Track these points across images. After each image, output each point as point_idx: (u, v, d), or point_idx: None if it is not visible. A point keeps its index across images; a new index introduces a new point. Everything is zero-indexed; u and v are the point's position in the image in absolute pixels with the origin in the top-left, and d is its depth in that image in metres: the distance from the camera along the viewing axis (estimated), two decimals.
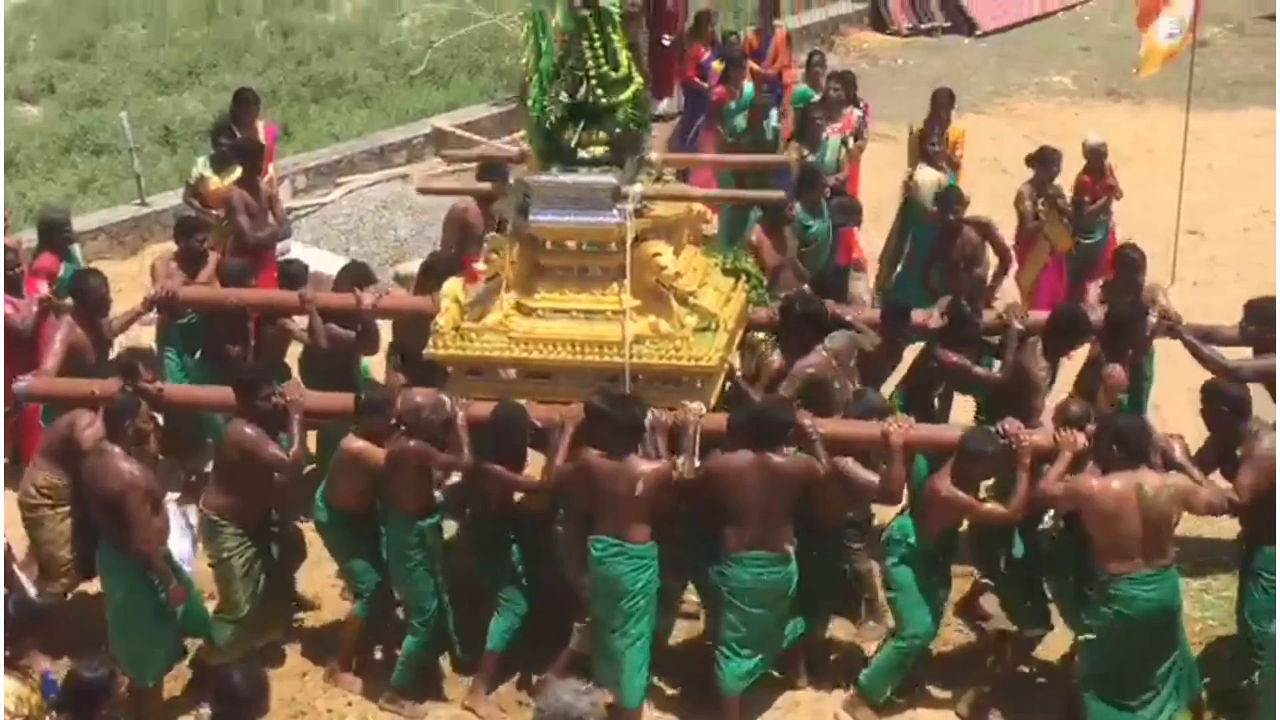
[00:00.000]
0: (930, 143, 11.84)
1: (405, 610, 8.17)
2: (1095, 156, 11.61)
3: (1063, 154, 11.34)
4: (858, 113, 12.57)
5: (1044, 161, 11.32)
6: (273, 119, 15.11)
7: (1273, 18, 19.11)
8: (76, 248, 10.88)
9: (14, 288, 9.66)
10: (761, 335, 9.02)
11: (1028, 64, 18.45)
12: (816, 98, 12.75)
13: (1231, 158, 14.68)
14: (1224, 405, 7.72)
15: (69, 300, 9.43)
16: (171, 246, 10.35)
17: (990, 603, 8.39)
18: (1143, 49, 12.52)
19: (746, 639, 7.71)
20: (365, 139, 15.86)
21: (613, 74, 8.03)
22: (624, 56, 8.10)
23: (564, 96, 8.03)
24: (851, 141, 12.28)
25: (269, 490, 8.17)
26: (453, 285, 8.42)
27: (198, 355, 9.79)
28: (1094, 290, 10.89)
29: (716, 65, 13.86)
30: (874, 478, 7.82)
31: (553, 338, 8.01)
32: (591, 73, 8.00)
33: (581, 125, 8.06)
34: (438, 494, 8.20)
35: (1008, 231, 11.18)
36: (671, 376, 7.98)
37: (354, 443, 7.93)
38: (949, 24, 19.42)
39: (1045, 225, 11.24)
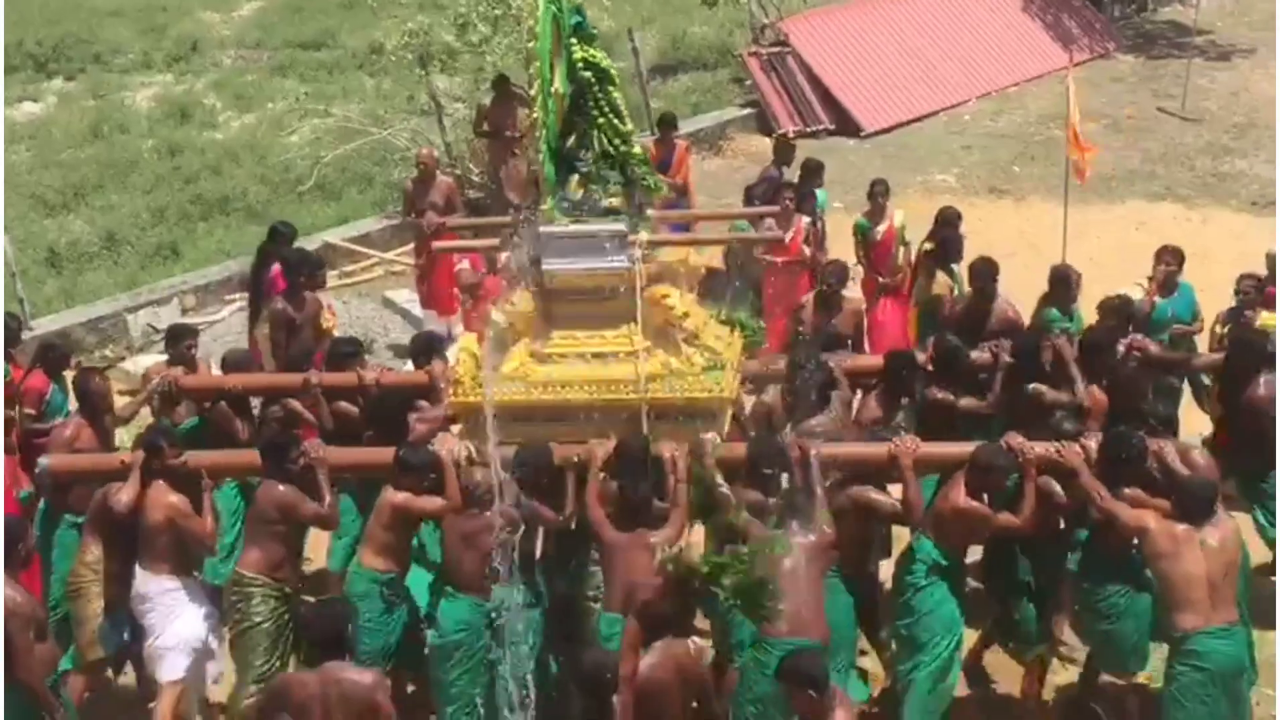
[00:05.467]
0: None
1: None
2: None
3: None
4: (806, 220, 12.86)
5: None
6: (160, 238, 14.98)
7: (1163, 110, 19.74)
8: (69, 375, 10.61)
9: None
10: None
11: (912, 163, 18.78)
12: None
13: (1112, 250, 15.00)
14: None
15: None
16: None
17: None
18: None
19: None
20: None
21: (622, 127, 8.43)
22: (626, 113, 8.49)
23: (582, 150, 8.38)
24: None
25: (299, 552, 8.58)
26: (467, 339, 8.82)
27: None
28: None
29: None
30: (894, 501, 8.19)
31: (569, 380, 8.36)
32: (602, 125, 8.37)
33: (596, 175, 8.44)
34: None
35: None
36: (685, 411, 8.34)
37: (395, 495, 8.22)
38: (833, 126, 19.75)
39: None
